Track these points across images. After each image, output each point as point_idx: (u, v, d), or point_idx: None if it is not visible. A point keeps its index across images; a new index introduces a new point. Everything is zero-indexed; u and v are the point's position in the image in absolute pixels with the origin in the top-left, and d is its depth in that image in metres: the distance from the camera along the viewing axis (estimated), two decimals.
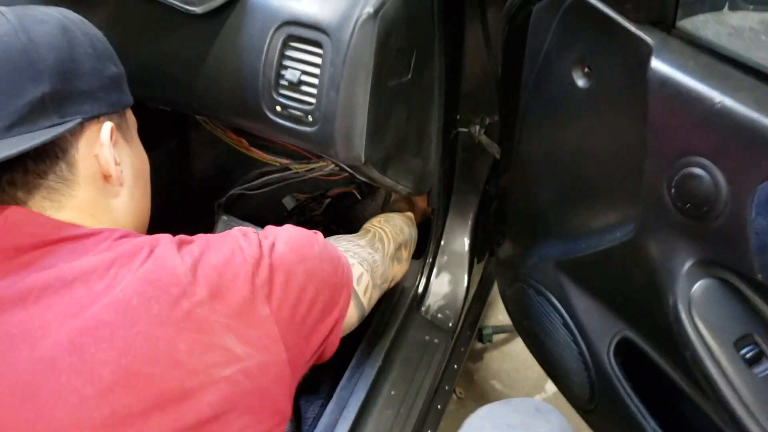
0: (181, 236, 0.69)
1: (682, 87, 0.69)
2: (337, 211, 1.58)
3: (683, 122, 0.71)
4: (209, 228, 1.30)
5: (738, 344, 0.72)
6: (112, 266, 0.62)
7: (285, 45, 0.90)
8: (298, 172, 1.47)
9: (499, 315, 1.70)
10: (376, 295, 0.98)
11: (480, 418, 0.90)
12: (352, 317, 0.87)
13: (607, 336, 0.93)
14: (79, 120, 0.68)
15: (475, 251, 1.36)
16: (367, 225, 1.13)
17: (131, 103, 0.78)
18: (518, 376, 1.61)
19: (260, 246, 0.70)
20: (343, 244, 0.96)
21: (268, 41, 0.91)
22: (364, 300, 0.90)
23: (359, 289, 0.89)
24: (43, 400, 0.56)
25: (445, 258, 1.35)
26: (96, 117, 0.71)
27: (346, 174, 1.40)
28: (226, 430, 0.61)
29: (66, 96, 0.67)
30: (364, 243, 1.01)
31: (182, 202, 1.62)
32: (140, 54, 0.97)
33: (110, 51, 0.75)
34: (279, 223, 1.55)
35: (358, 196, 1.54)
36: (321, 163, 1.45)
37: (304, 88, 0.91)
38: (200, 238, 0.69)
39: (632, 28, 0.75)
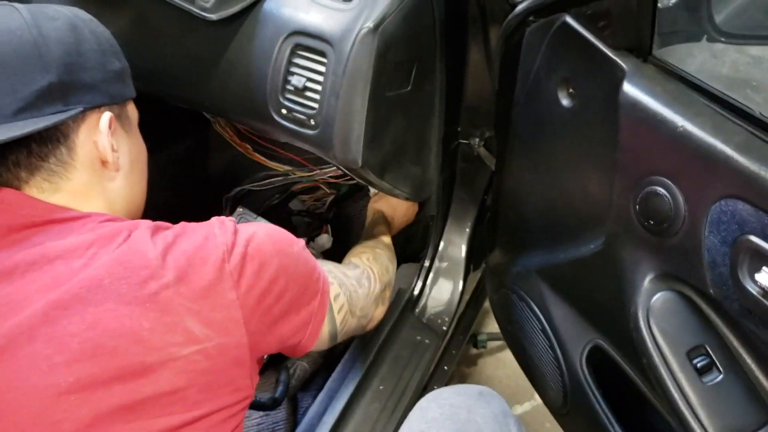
0: (160, 223, 0.74)
1: (649, 110, 0.75)
2: (341, 210, 1.64)
3: (649, 143, 0.76)
4: None
5: (690, 354, 0.76)
6: (91, 246, 0.68)
7: (292, 53, 0.97)
8: (300, 177, 1.54)
9: (495, 323, 1.75)
10: (351, 324, 0.99)
11: (428, 400, 0.96)
12: (323, 334, 0.88)
13: (580, 343, 0.98)
14: (81, 109, 0.74)
15: (472, 259, 1.42)
16: (355, 259, 1.13)
17: (132, 96, 0.85)
18: (510, 383, 1.66)
19: (235, 234, 0.74)
20: (328, 267, 0.99)
21: (277, 48, 0.97)
22: (338, 318, 0.92)
23: (335, 306, 0.91)
24: (19, 362, 0.62)
25: (442, 263, 1.41)
26: (97, 107, 0.77)
27: (351, 180, 1.46)
28: (184, 403, 0.66)
29: (70, 86, 0.74)
30: (351, 275, 1.03)
31: (194, 195, 1.70)
32: (158, 54, 1.04)
33: (115, 47, 0.82)
34: (284, 220, 1.63)
35: (326, 189, 1.60)
36: (318, 172, 1.52)
37: (308, 93, 0.97)
38: (179, 225, 0.75)
39: (610, 53, 0.80)
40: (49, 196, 0.74)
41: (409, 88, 1.05)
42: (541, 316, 1.04)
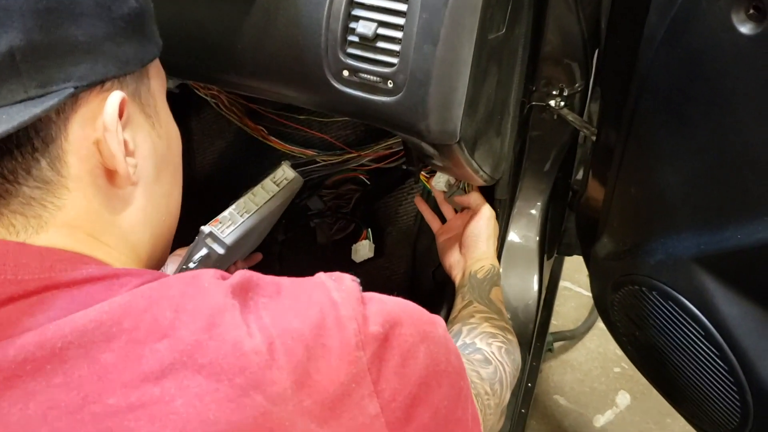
0: (242, 279, 0.44)
1: None
2: (369, 208, 1.36)
3: None
4: None
5: None
6: (124, 317, 0.40)
7: None
8: (327, 165, 1.25)
9: (553, 320, 1.51)
10: None
11: None
12: None
13: None
14: (70, 90, 0.44)
15: (545, 247, 1.17)
16: (481, 342, 0.79)
17: (157, 55, 0.54)
18: (583, 389, 1.42)
19: (362, 302, 0.46)
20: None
21: None
22: None
23: None
24: None
25: (512, 255, 1.15)
26: (99, 83, 0.47)
27: (394, 163, 1.19)
28: None
29: (50, 51, 0.43)
30: (485, 375, 0.72)
31: (184, 205, 1.39)
32: (163, 14, 0.74)
33: None
34: (303, 228, 1.33)
35: (366, 181, 1.30)
36: (354, 154, 1.23)
37: (382, 44, 0.70)
38: (266, 283, 0.46)
39: None
40: (28, 239, 0.44)
41: (504, 30, 0.78)
42: (703, 319, 0.79)
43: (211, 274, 0.44)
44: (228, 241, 0.88)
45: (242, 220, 0.91)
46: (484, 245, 0.99)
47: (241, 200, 0.95)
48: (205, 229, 0.88)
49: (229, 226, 0.90)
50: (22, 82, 0.41)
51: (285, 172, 1.03)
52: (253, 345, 0.39)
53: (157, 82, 0.55)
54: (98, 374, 0.37)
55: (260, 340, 0.40)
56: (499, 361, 0.77)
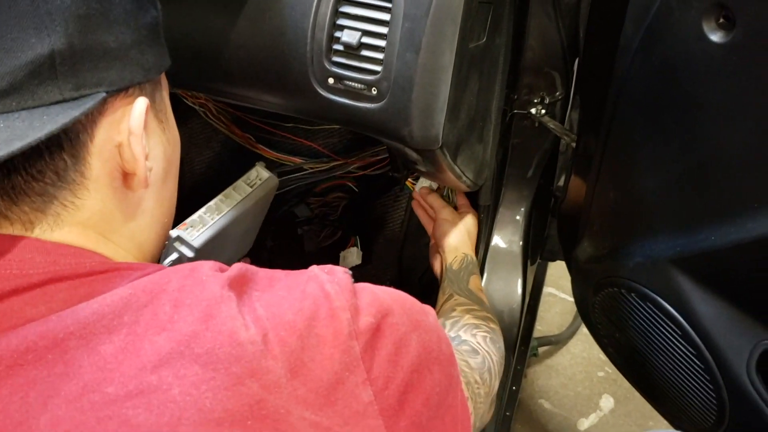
0: (238, 272, 0.46)
1: None
2: (356, 216, 1.38)
3: None
4: None
5: None
6: (125, 311, 0.41)
7: None
8: (314, 174, 1.26)
9: (538, 325, 1.53)
10: None
11: None
12: None
13: (745, 348, 0.76)
14: (102, 95, 0.46)
15: (528, 252, 1.19)
16: (465, 333, 0.80)
17: (170, 63, 0.56)
18: (568, 392, 1.44)
19: (354, 293, 0.48)
20: None
21: None
22: None
23: None
24: None
25: (496, 261, 1.17)
26: (125, 89, 0.49)
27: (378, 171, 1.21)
28: None
29: (86, 55, 0.44)
30: (474, 365, 0.72)
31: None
32: None
33: None
34: (291, 235, 1.35)
35: (354, 188, 1.32)
36: (341, 162, 1.25)
37: (367, 52, 0.72)
38: (260, 277, 0.48)
39: None
40: (41, 236, 0.46)
41: (484, 39, 0.81)
42: (680, 319, 0.81)
43: (209, 266, 0.46)
44: (196, 243, 0.86)
45: (212, 222, 0.89)
46: (452, 238, 1.02)
47: (212, 203, 0.92)
48: (173, 233, 0.85)
49: (198, 228, 0.87)
50: (57, 85, 0.43)
51: (259, 173, 1.01)
52: (248, 335, 0.41)
53: (165, 89, 0.57)
54: (98, 365, 0.39)
55: (255, 331, 0.41)
56: (485, 350, 0.78)
